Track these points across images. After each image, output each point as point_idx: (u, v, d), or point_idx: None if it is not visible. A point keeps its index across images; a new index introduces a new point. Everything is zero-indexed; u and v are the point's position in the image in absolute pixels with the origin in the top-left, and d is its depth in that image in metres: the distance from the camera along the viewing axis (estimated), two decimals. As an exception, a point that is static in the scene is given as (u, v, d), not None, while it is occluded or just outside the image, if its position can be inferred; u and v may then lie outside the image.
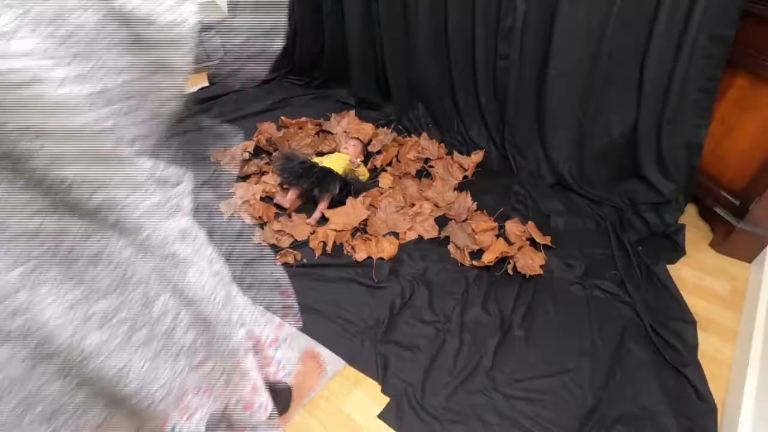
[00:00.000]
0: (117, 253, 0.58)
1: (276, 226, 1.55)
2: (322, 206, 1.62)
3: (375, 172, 1.84)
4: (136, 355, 0.62)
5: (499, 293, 1.32)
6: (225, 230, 1.56)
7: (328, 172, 1.63)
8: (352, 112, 2.20)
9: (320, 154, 1.92)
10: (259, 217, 1.59)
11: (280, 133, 2.04)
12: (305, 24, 2.39)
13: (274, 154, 1.91)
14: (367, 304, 1.30)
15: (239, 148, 1.95)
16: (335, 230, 1.49)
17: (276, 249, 1.49)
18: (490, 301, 1.30)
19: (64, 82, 0.47)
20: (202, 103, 2.35)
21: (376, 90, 2.30)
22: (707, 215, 1.61)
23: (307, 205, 1.68)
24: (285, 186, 1.69)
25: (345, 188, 1.64)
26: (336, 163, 1.71)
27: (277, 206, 1.66)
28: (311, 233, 1.52)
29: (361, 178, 1.76)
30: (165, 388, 0.66)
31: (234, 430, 0.88)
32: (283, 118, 2.14)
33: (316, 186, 1.61)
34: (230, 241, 1.51)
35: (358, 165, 1.82)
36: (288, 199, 1.64)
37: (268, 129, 2.07)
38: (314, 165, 1.65)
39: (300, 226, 1.55)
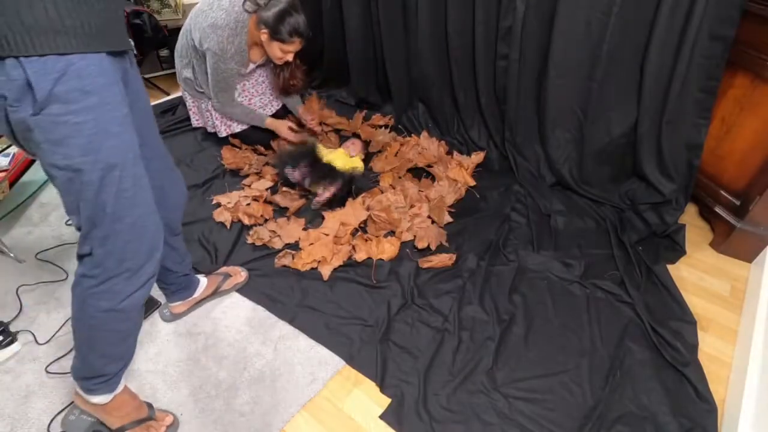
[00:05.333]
0: None
1: (271, 226, 1.55)
2: (324, 196, 1.62)
3: (375, 172, 1.84)
4: None
5: (492, 286, 1.34)
6: (224, 230, 1.56)
7: (332, 168, 1.66)
8: (361, 114, 2.19)
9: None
10: (261, 215, 1.59)
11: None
12: (305, 24, 2.39)
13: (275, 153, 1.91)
14: (366, 304, 1.30)
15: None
16: (326, 234, 1.49)
17: (270, 250, 1.48)
18: (486, 297, 1.30)
19: None
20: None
21: (376, 90, 2.30)
22: (707, 215, 1.61)
23: (307, 207, 1.68)
24: (284, 189, 1.71)
25: (348, 186, 1.65)
26: (338, 160, 1.73)
27: (278, 206, 1.66)
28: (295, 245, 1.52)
29: (358, 169, 1.78)
30: None
31: None
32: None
33: (322, 180, 1.63)
34: (230, 241, 1.51)
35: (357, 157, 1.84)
36: (297, 175, 1.66)
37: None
38: (318, 160, 1.67)
39: (293, 229, 1.54)
